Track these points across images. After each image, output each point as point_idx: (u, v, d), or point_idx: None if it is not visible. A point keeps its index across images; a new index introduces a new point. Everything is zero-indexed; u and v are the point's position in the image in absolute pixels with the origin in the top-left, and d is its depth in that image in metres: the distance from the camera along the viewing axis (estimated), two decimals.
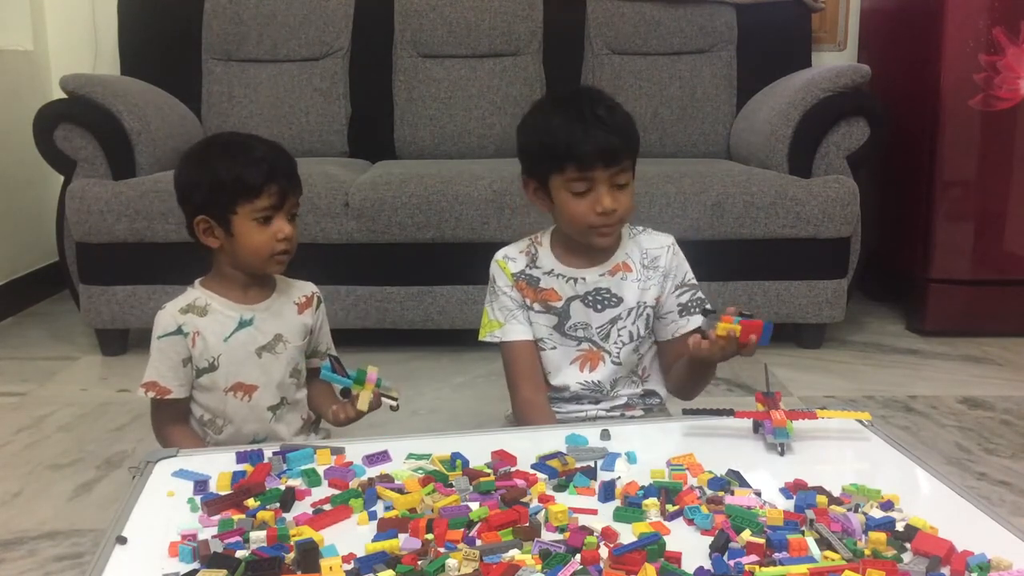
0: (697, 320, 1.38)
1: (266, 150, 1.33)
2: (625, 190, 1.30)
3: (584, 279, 1.38)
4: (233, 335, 1.35)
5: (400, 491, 1.01)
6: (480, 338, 1.44)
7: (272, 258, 1.33)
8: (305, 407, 1.45)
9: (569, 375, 1.40)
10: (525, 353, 1.39)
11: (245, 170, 1.29)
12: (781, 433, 1.14)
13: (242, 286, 1.37)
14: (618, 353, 1.38)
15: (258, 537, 0.89)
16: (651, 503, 0.97)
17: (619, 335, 1.38)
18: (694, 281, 1.42)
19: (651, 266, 1.39)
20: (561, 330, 1.39)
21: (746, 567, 0.84)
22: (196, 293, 1.37)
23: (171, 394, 1.34)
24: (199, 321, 1.34)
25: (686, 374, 1.36)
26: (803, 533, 0.90)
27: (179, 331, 1.33)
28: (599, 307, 1.37)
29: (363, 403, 1.26)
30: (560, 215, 1.35)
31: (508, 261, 1.42)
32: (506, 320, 1.40)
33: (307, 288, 1.46)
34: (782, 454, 1.13)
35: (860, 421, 1.23)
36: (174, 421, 1.37)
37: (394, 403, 1.27)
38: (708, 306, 1.32)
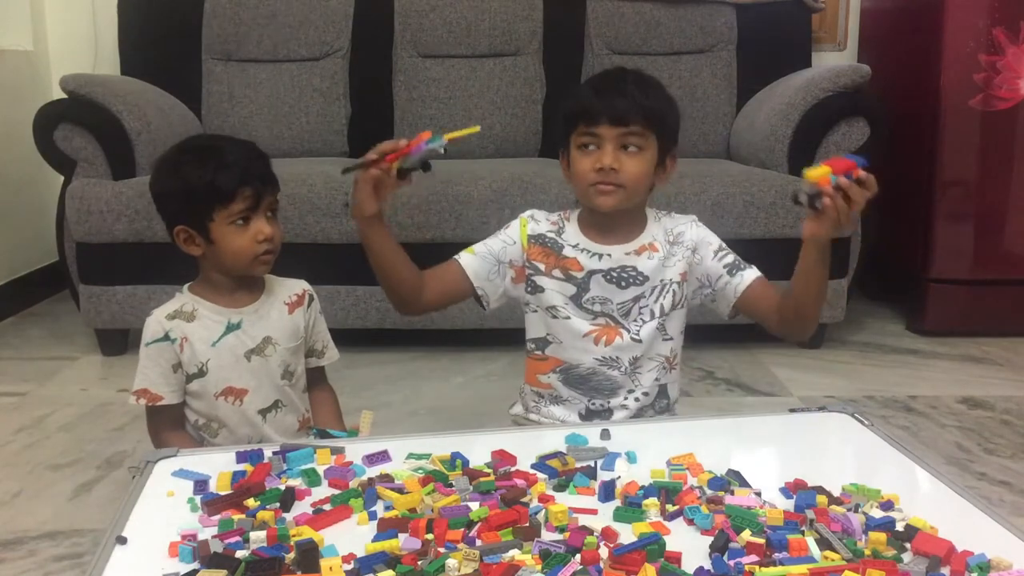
0: (752, 273, 1.37)
1: (236, 153, 1.31)
2: (635, 156, 1.30)
3: (610, 255, 1.37)
4: (221, 339, 1.35)
5: (400, 491, 1.01)
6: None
7: (256, 260, 1.33)
8: (301, 409, 1.44)
9: (584, 350, 1.38)
10: (451, 273, 1.39)
11: (216, 176, 1.27)
12: (434, 140, 1.21)
13: (229, 290, 1.37)
14: (638, 331, 1.37)
15: (258, 537, 0.89)
16: (651, 503, 0.97)
17: (640, 313, 1.37)
18: (728, 248, 1.41)
19: (676, 242, 1.39)
20: (578, 302, 1.37)
21: (746, 567, 0.84)
22: (184, 298, 1.37)
23: (163, 400, 1.34)
24: (186, 327, 1.34)
25: (802, 283, 1.30)
26: (803, 533, 0.90)
27: (166, 337, 1.33)
28: (623, 284, 1.36)
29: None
30: (571, 178, 1.36)
31: (531, 221, 1.41)
32: (477, 252, 1.40)
33: (298, 286, 1.45)
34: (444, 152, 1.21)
35: (860, 420, 1.23)
36: (170, 426, 1.37)
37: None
38: (798, 197, 1.19)
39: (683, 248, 1.39)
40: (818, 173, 1.13)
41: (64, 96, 2.44)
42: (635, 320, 1.37)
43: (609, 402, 1.39)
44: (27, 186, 2.98)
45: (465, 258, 1.40)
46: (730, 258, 1.39)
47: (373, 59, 2.99)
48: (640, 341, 1.37)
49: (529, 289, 1.40)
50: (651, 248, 1.38)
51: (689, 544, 0.89)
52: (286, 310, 1.41)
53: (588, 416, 1.40)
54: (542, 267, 1.39)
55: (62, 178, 2.44)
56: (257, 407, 1.38)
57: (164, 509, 1.00)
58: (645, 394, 1.39)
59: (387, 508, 0.98)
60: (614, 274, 1.36)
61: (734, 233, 2.34)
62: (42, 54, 3.17)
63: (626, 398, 1.39)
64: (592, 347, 1.38)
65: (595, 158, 1.30)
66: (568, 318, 1.38)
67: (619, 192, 1.31)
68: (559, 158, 1.42)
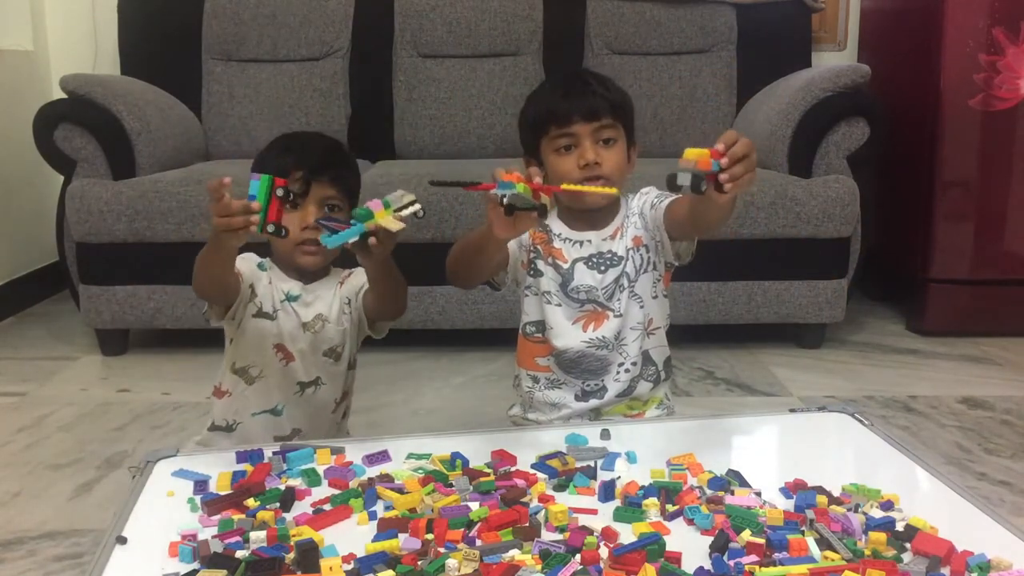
0: (673, 196, 1.34)
1: (305, 141, 1.37)
2: (612, 147, 1.34)
3: (590, 241, 1.40)
4: (284, 303, 1.39)
5: (400, 491, 1.01)
6: None
7: (298, 247, 1.35)
8: (340, 390, 1.45)
9: (572, 335, 1.40)
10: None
11: (277, 160, 1.34)
12: (504, 186, 1.06)
13: (293, 269, 1.41)
14: (620, 307, 1.39)
15: (258, 537, 0.89)
16: (651, 503, 0.97)
17: (620, 291, 1.40)
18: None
19: (632, 215, 1.42)
20: (564, 290, 1.40)
21: (746, 567, 0.84)
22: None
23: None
24: (273, 273, 1.39)
25: (707, 220, 1.23)
26: (803, 533, 0.90)
27: (261, 266, 1.38)
28: (603, 268, 1.39)
29: (391, 224, 1.14)
30: (552, 182, 1.36)
31: None
32: None
33: (352, 271, 1.46)
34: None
35: (860, 420, 1.23)
36: None
37: (418, 208, 1.16)
38: (676, 180, 1.05)
39: (634, 217, 1.41)
40: (697, 153, 1.02)
41: (64, 96, 2.44)
42: (617, 299, 1.40)
43: (602, 380, 1.41)
44: (27, 186, 2.98)
45: None
46: (660, 198, 1.39)
47: (373, 59, 2.99)
48: (621, 315, 1.40)
49: (531, 272, 1.42)
50: (622, 229, 1.41)
51: (689, 544, 0.89)
52: (337, 288, 1.43)
53: (584, 396, 1.42)
54: (542, 251, 1.42)
55: (62, 178, 2.44)
56: (298, 378, 1.40)
57: (164, 509, 1.00)
58: (634, 364, 1.41)
59: (387, 508, 0.98)
60: (594, 260, 1.40)
61: (734, 233, 2.34)
62: (42, 54, 3.17)
63: (617, 372, 1.41)
64: (580, 332, 1.40)
65: (576, 155, 1.33)
66: (559, 305, 1.41)
67: (606, 185, 1.32)
68: (526, 167, 1.41)
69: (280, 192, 1.10)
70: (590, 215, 1.41)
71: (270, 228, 1.10)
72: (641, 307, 1.41)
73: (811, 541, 0.88)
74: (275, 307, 1.38)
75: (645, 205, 1.41)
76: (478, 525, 0.92)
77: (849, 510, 0.95)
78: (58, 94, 2.49)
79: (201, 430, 1.46)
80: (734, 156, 1.02)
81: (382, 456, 1.12)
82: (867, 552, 0.87)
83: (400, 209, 1.14)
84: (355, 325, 1.44)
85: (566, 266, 1.40)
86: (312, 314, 1.40)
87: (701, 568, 0.85)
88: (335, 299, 1.42)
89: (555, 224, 1.43)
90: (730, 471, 1.06)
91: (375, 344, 2.49)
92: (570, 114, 1.32)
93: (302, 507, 1.00)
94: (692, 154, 1.01)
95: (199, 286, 1.28)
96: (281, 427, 1.41)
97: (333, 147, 1.42)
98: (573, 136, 1.33)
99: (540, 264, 1.41)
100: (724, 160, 1.02)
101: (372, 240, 1.13)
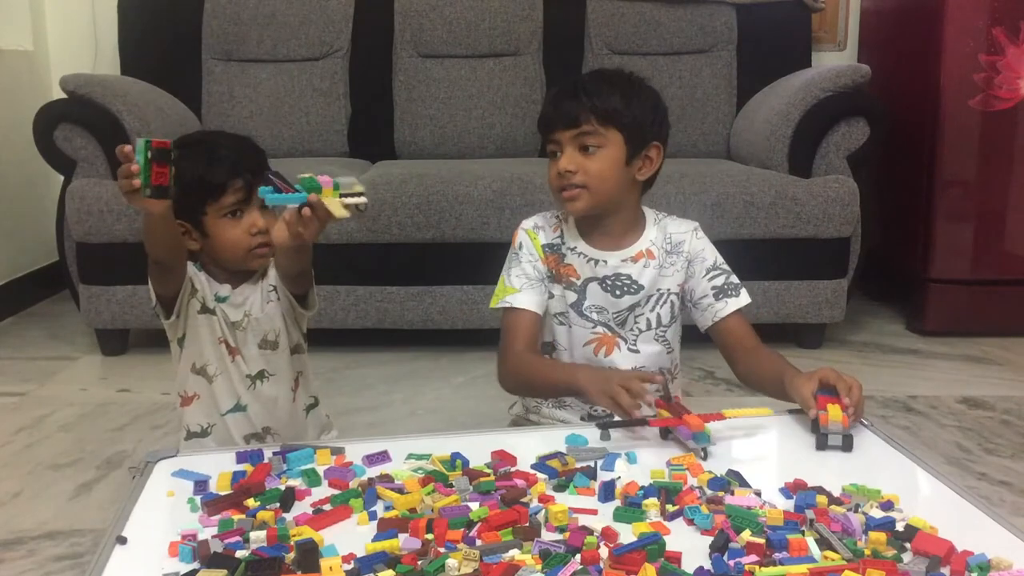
0: (736, 303, 1.38)
1: (228, 146, 1.33)
2: (593, 155, 1.31)
3: (606, 262, 1.37)
4: (216, 303, 1.37)
5: (400, 491, 1.00)
6: (492, 305, 1.40)
7: (250, 253, 1.33)
8: (289, 376, 1.43)
9: (586, 359, 1.38)
10: (529, 322, 1.36)
11: (207, 170, 1.29)
12: (701, 437, 1.12)
13: (225, 279, 1.39)
14: (635, 340, 1.37)
15: (258, 537, 0.89)
16: (651, 503, 0.97)
17: (636, 322, 1.37)
18: (726, 266, 1.40)
19: (674, 251, 1.39)
20: (578, 310, 1.38)
21: (746, 567, 0.84)
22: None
23: None
24: (200, 275, 1.36)
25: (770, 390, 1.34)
26: (803, 533, 0.90)
27: (195, 264, 1.35)
28: (617, 292, 1.36)
29: (336, 209, 1.10)
30: (548, 187, 1.39)
31: (538, 231, 1.41)
32: (522, 288, 1.37)
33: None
34: (705, 458, 1.11)
35: (862, 421, 1.23)
36: None
37: (364, 200, 1.11)
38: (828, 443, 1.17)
39: (681, 258, 1.38)
40: (837, 414, 1.14)
41: (64, 96, 2.44)
42: (631, 330, 1.38)
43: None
44: (27, 186, 2.98)
45: (521, 299, 1.37)
46: (720, 280, 1.38)
47: (373, 59, 2.99)
48: (637, 351, 1.37)
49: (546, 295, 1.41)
50: (648, 255, 1.38)
51: (689, 544, 0.89)
52: (260, 281, 1.40)
53: (590, 420, 1.39)
54: (554, 273, 1.39)
55: (62, 178, 2.44)
56: (245, 371, 1.40)
57: (164, 509, 1.00)
58: (648, 404, 1.39)
59: (387, 508, 0.98)
60: (608, 282, 1.37)
61: (734, 233, 2.34)
62: (42, 54, 3.17)
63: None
64: (592, 357, 1.38)
65: (557, 163, 1.32)
66: (571, 326, 1.38)
67: (583, 194, 1.31)
68: None
69: (151, 153, 1.07)
70: (606, 228, 1.37)
71: (147, 192, 1.09)
72: (669, 352, 1.39)
73: (811, 541, 0.88)
74: (214, 303, 1.37)
75: (697, 263, 1.38)
76: (478, 525, 0.92)
77: (849, 510, 0.95)
78: (58, 94, 2.49)
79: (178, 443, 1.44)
80: (857, 406, 1.16)
81: (382, 456, 1.12)
82: (867, 552, 0.87)
83: (347, 196, 1.10)
84: (287, 307, 1.41)
85: (578, 283, 1.37)
86: (240, 314, 1.38)
87: (701, 568, 0.85)
88: (259, 292, 1.40)
89: (570, 237, 1.39)
90: (730, 471, 1.06)
91: (375, 344, 2.51)
92: (554, 121, 1.32)
93: (302, 507, 1.00)
94: (836, 415, 1.13)
95: (150, 255, 1.25)
96: (251, 425, 1.41)
97: (253, 146, 1.37)
98: (559, 143, 1.32)
99: (552, 286, 1.39)
100: (851, 411, 1.15)
101: (306, 211, 1.09)
